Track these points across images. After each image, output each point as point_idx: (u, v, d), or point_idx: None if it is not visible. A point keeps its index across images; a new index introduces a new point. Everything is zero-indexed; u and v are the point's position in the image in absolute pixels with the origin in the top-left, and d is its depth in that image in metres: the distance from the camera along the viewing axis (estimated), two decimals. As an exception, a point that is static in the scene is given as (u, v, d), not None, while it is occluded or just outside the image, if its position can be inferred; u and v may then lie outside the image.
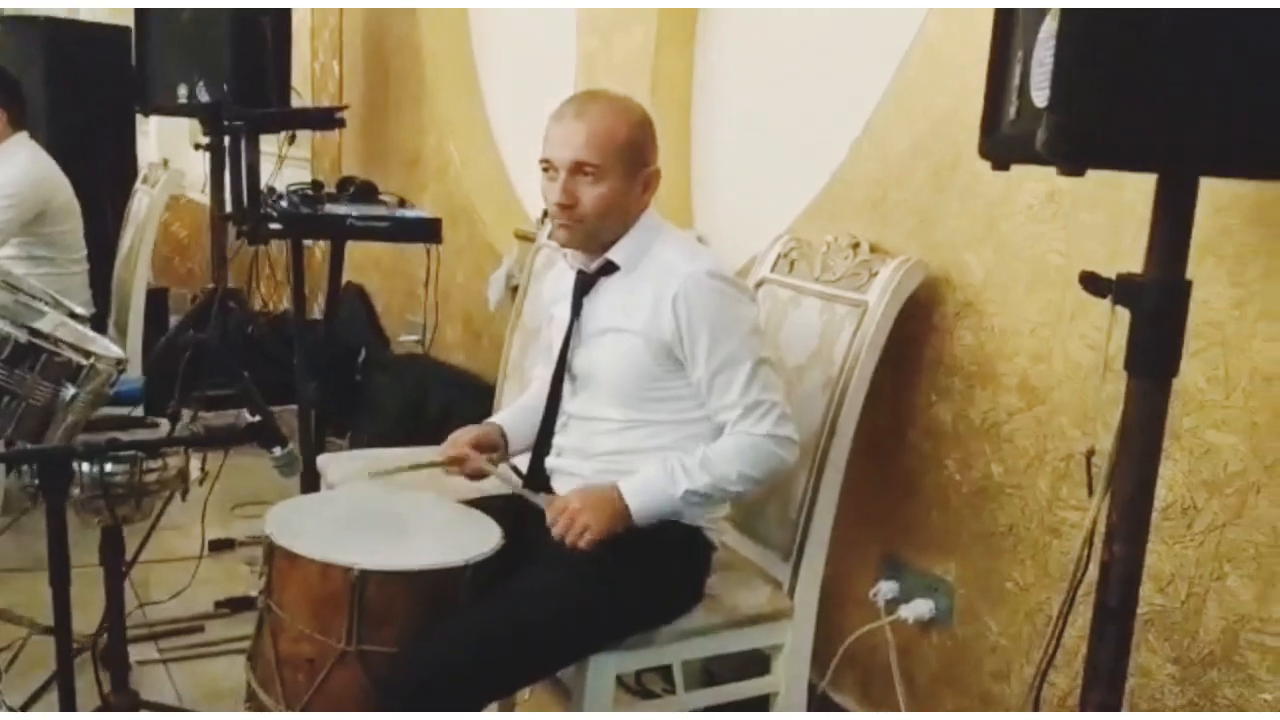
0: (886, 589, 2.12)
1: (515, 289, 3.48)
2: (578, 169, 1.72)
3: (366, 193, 2.94)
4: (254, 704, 1.76)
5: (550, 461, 1.91)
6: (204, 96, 4.10)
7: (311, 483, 2.66)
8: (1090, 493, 1.35)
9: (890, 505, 2.13)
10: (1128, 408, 1.25)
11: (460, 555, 1.68)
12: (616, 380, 1.80)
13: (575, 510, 1.71)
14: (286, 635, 1.68)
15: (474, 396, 3.17)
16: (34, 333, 1.84)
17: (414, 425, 3.51)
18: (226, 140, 2.95)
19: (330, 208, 2.81)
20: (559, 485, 1.89)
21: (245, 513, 3.22)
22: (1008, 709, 1.91)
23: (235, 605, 2.83)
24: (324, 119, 2.78)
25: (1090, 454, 1.35)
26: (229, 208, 2.95)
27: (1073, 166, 1.08)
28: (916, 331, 2.04)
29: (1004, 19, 1.34)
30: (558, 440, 1.90)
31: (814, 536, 1.99)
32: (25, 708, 2.27)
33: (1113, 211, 1.71)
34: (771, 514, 2.06)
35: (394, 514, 1.89)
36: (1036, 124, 1.10)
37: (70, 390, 1.87)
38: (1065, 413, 1.81)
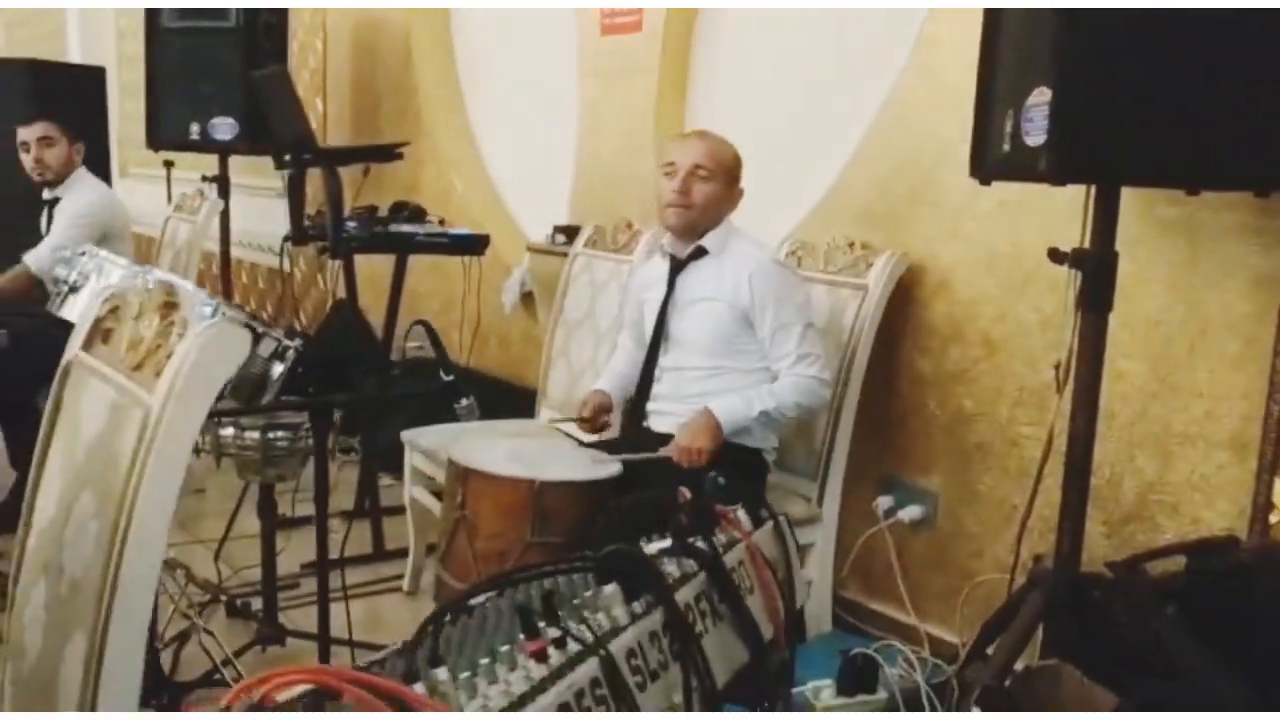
0: (884, 501, 2.81)
1: (528, 294, 4.09)
2: (695, 170, 2.38)
3: (417, 214, 3.51)
4: (445, 597, 2.32)
5: (650, 405, 2.54)
6: (218, 135, 4.58)
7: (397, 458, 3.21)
8: (1059, 390, 2.06)
9: (887, 436, 2.82)
10: (1083, 332, 1.97)
11: (605, 471, 2.30)
12: (705, 337, 2.45)
13: (688, 444, 2.34)
14: (481, 535, 2.26)
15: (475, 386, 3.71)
16: (251, 316, 2.37)
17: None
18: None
19: (395, 227, 3.37)
20: (654, 423, 2.53)
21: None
22: (983, 578, 2.61)
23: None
24: (387, 153, 3.34)
25: (1057, 366, 2.07)
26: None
27: (1063, 181, 1.80)
28: (902, 306, 2.75)
29: (985, 91, 2.05)
30: (655, 388, 2.54)
31: (834, 462, 2.68)
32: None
33: (1045, 213, 2.44)
34: (800, 448, 2.72)
35: (537, 448, 2.49)
36: (1026, 155, 1.81)
37: (278, 367, 2.40)
38: (1018, 359, 2.54)
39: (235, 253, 5.10)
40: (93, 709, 1.10)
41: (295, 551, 3.07)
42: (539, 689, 0.83)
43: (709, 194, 2.42)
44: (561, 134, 4.04)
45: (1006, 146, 1.92)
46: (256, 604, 2.85)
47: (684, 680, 0.94)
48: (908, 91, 2.76)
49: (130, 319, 1.29)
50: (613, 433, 2.69)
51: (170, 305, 1.22)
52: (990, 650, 2.22)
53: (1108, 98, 1.71)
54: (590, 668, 0.87)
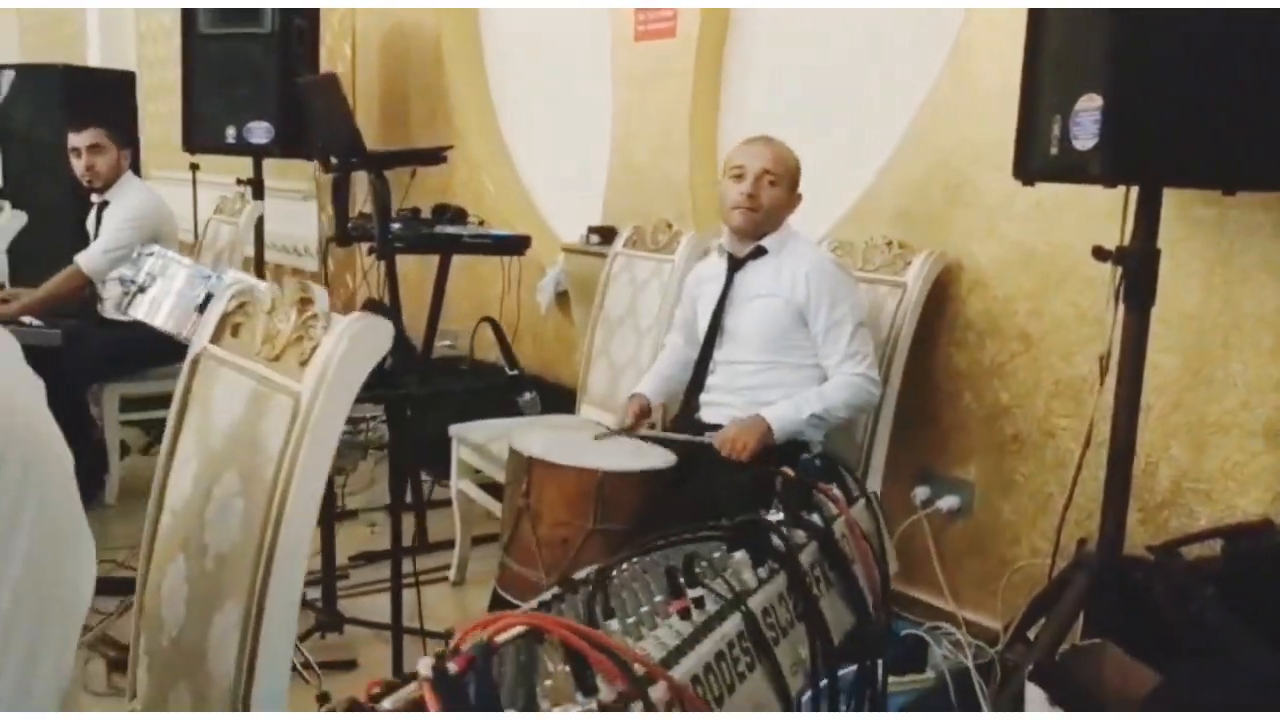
0: (921, 491, 2.91)
1: (563, 293, 4.19)
2: (763, 174, 2.48)
3: (459, 216, 3.61)
4: (508, 584, 2.42)
5: (703, 397, 2.64)
6: (254, 139, 4.68)
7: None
8: (1101, 382, 2.16)
9: (924, 429, 2.92)
10: (1125, 326, 2.07)
11: (662, 462, 2.40)
12: (760, 332, 2.55)
13: (735, 435, 2.44)
14: (545, 523, 2.35)
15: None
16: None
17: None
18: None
19: (440, 228, 3.47)
20: (708, 414, 2.62)
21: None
22: (1019, 566, 2.71)
23: (370, 558, 3.40)
24: (432, 156, 3.43)
25: (1102, 358, 2.17)
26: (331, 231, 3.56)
27: (1113, 183, 1.90)
28: (939, 303, 2.85)
29: (1028, 98, 2.15)
30: (709, 380, 2.64)
31: (875, 454, 2.78)
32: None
33: (1081, 213, 2.54)
34: (842, 441, 2.81)
35: (594, 443, 2.59)
36: (1076, 158, 1.91)
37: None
38: (1054, 353, 2.64)
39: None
40: (251, 671, 1.20)
41: (341, 545, 3.16)
42: (693, 640, 0.92)
43: (775, 198, 2.52)
44: (592, 137, 4.14)
45: (1054, 150, 2.02)
46: (311, 593, 2.94)
47: (809, 638, 1.04)
48: (943, 98, 2.86)
49: (263, 314, 1.39)
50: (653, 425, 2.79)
51: (306, 301, 1.32)
52: (1031, 634, 2.32)
53: (1155, 105, 1.82)
54: (735, 622, 0.96)
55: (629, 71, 3.88)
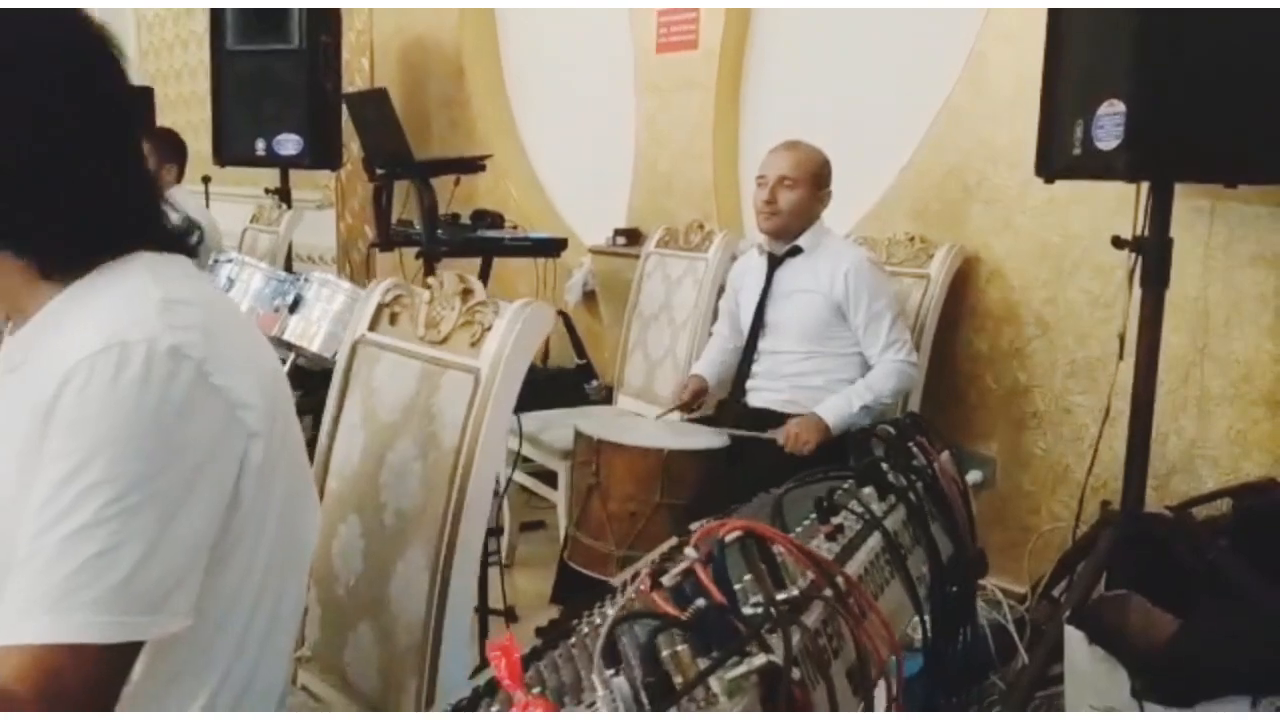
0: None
1: (589, 293, 4.40)
2: (781, 180, 2.70)
3: (498, 221, 3.82)
4: (577, 556, 2.63)
5: (749, 383, 2.87)
6: (283, 151, 4.87)
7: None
8: (1120, 358, 2.40)
9: (948, 409, 3.16)
10: (1143, 307, 2.31)
11: (719, 441, 2.63)
12: (802, 324, 2.78)
13: (798, 433, 2.66)
14: (614, 499, 2.57)
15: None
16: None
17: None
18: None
19: (482, 232, 3.69)
20: (753, 399, 2.85)
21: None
22: (1040, 534, 2.95)
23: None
24: (473, 165, 3.65)
25: (1122, 336, 2.41)
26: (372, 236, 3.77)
27: (1135, 180, 2.14)
28: (959, 293, 3.09)
29: (1049, 104, 2.39)
30: (753, 368, 2.86)
31: (905, 432, 3.00)
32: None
33: (1092, 207, 2.78)
34: (872, 419, 3.05)
35: (651, 426, 2.81)
36: (1099, 158, 2.15)
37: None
38: (1069, 335, 2.88)
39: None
40: (440, 612, 1.41)
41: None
42: (845, 554, 1.14)
43: (794, 201, 2.75)
44: (612, 144, 4.36)
45: (1077, 150, 2.26)
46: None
47: (929, 555, 1.26)
48: (959, 103, 3.10)
49: (423, 304, 1.60)
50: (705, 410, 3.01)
51: (468, 291, 1.53)
52: (1056, 592, 2.56)
53: (1170, 109, 2.06)
54: (876, 540, 1.18)
55: (652, 82, 4.10)
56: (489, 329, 1.45)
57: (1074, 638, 2.15)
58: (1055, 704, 2.28)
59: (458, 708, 1.04)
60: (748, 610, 0.92)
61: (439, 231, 3.65)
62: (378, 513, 1.54)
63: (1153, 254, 2.28)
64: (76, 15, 1.06)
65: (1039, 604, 2.66)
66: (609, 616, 0.87)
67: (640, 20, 4.11)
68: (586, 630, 1.17)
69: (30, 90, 1.01)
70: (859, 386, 2.71)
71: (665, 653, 0.83)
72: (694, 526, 1.07)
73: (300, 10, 4.70)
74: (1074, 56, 2.33)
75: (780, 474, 2.57)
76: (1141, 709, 2.01)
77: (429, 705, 1.42)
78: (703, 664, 0.82)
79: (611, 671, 0.84)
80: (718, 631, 0.86)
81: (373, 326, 1.67)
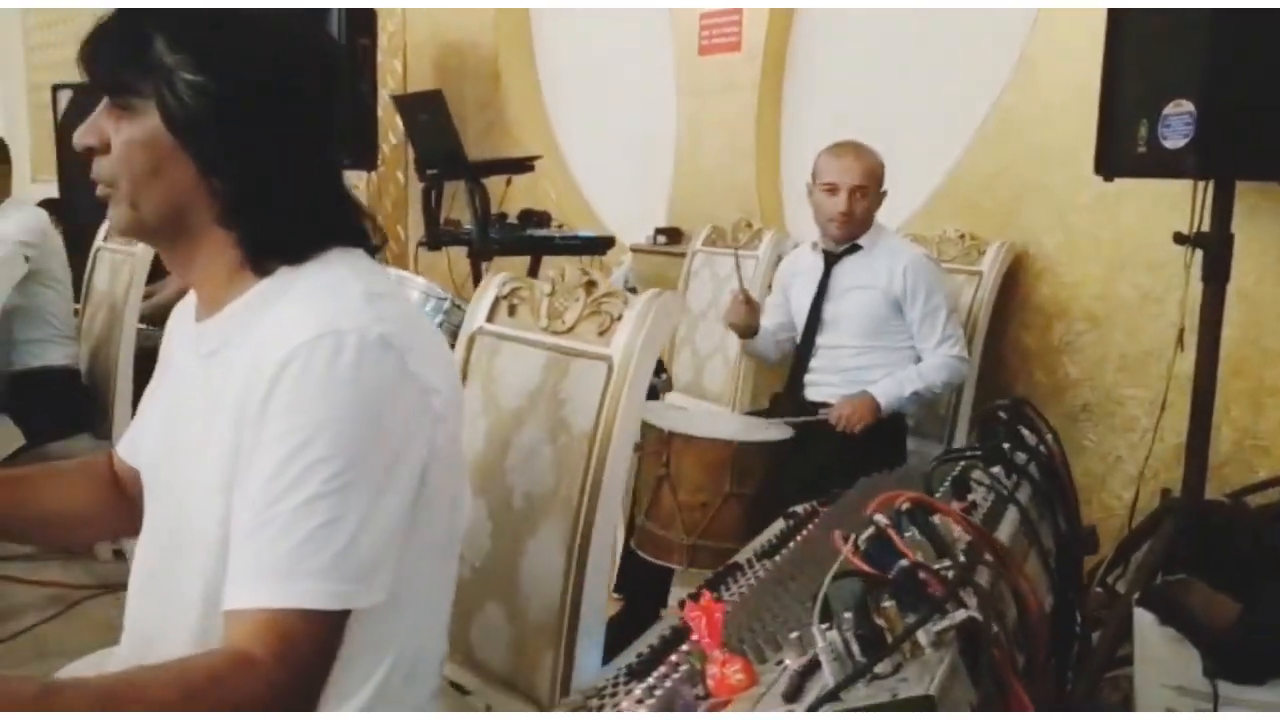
0: (997, 460, 3.22)
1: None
2: (855, 189, 2.77)
3: (545, 220, 3.90)
4: (645, 544, 2.70)
5: (807, 377, 2.94)
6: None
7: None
8: (1183, 348, 2.48)
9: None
10: (1204, 300, 2.39)
11: (785, 434, 2.70)
12: (860, 320, 2.85)
13: (849, 413, 2.74)
14: (684, 489, 2.64)
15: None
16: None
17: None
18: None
19: (531, 231, 3.76)
20: (812, 393, 2.92)
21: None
22: (1090, 520, 3.02)
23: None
24: (522, 165, 3.72)
25: (1182, 330, 2.48)
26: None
27: (1204, 177, 2.22)
28: (1009, 289, 3.16)
29: (1108, 105, 2.46)
30: (811, 363, 2.94)
31: (959, 427, 3.08)
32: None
33: (1139, 207, 2.86)
34: (928, 416, 3.12)
35: (718, 418, 2.88)
36: (1166, 156, 2.23)
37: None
38: (1119, 330, 2.95)
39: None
40: (578, 589, 1.48)
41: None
42: (989, 524, 1.22)
43: (867, 208, 2.83)
44: (649, 145, 4.43)
45: (1142, 149, 2.33)
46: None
47: (1053, 528, 1.34)
48: (1008, 107, 3.18)
49: (544, 296, 1.67)
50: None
51: (592, 284, 1.61)
52: (1111, 579, 2.64)
53: (1239, 110, 2.13)
54: (1013, 514, 1.26)
55: (694, 84, 4.17)
56: (619, 319, 1.52)
57: (1144, 620, 2.22)
58: (1123, 685, 2.35)
59: (634, 673, 1.12)
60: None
61: (490, 231, 3.73)
62: (505, 495, 1.61)
63: (1215, 249, 2.36)
64: (317, 20, 1.14)
65: (1094, 590, 2.73)
66: (826, 576, 0.93)
67: (682, 23, 4.18)
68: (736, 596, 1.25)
69: (299, 93, 1.09)
70: (911, 373, 2.79)
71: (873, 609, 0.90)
72: (840, 496, 1.14)
73: (339, 11, 4.76)
74: (1136, 58, 2.40)
75: (840, 462, 2.66)
76: (1214, 688, 2.08)
77: (566, 679, 1.48)
78: (909, 620, 0.89)
79: (825, 625, 0.91)
80: (917, 589, 0.93)
81: (490, 318, 1.74)
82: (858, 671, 0.85)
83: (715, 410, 3.37)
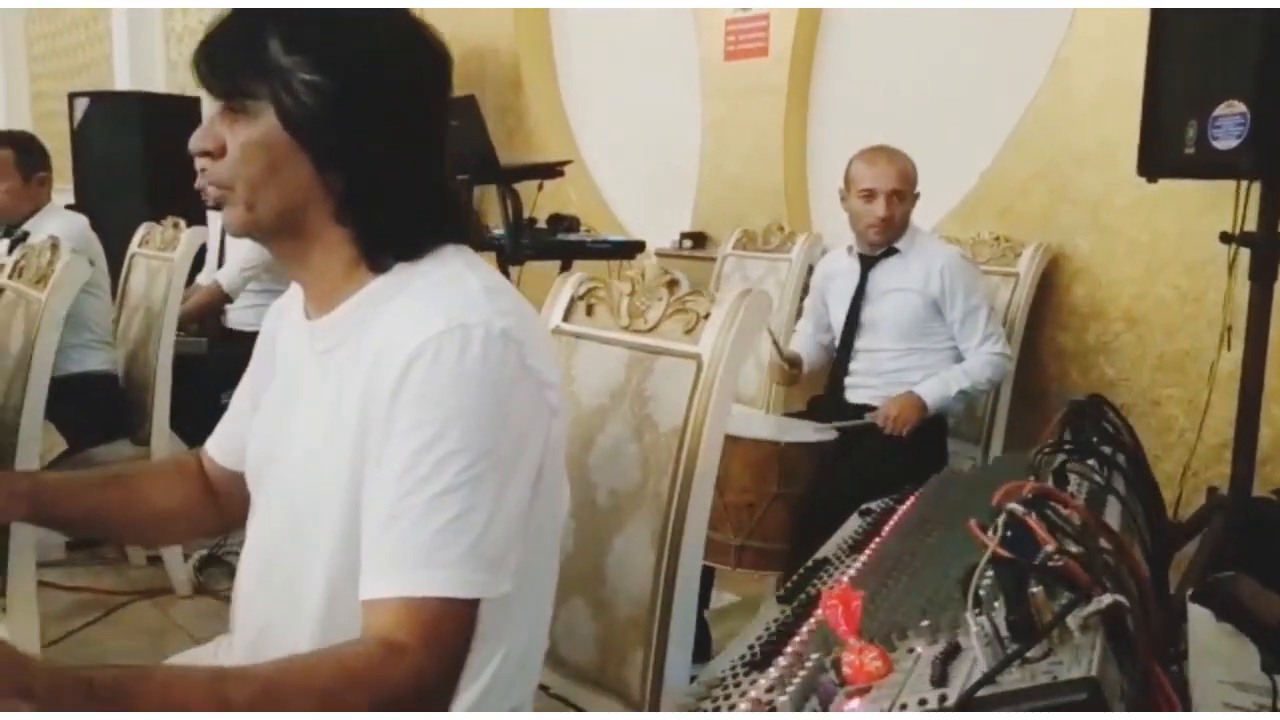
0: (1033, 460, 3.24)
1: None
2: (893, 194, 2.79)
3: (574, 225, 3.92)
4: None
5: (847, 380, 2.96)
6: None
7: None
8: (1229, 347, 2.50)
9: (1035, 404, 3.25)
10: (1252, 300, 2.41)
11: (830, 435, 2.71)
12: (899, 322, 2.87)
13: (897, 414, 2.75)
14: (731, 489, 2.65)
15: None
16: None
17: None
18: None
19: (562, 236, 3.78)
20: (852, 395, 2.94)
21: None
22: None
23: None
24: (552, 170, 3.74)
25: (1229, 329, 2.50)
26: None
27: (1258, 177, 2.24)
28: (1045, 291, 3.18)
29: (1151, 106, 2.48)
30: (851, 366, 2.95)
31: (996, 428, 3.10)
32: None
33: (1177, 208, 2.88)
34: (966, 417, 3.13)
35: (760, 420, 2.89)
36: (1216, 156, 2.25)
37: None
38: (1157, 330, 2.98)
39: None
40: (670, 584, 1.49)
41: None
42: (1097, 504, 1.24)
43: (905, 212, 2.85)
44: (671, 149, 4.46)
45: (1190, 150, 2.35)
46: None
47: (1144, 509, 1.36)
48: (1041, 108, 3.20)
49: (623, 295, 1.68)
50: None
51: (674, 283, 1.62)
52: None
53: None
54: (1114, 503, 1.28)
55: (719, 88, 4.20)
56: (706, 316, 1.54)
57: (1199, 615, 2.24)
58: (1175, 680, 2.36)
59: (753, 665, 1.13)
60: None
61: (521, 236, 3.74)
62: (589, 492, 1.62)
63: (1263, 249, 2.38)
64: (423, 22, 1.16)
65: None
66: (980, 562, 0.94)
67: (707, 28, 4.21)
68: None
69: (410, 85, 1.10)
70: (957, 372, 2.80)
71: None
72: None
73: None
74: (1181, 59, 2.42)
75: (886, 463, 2.68)
76: (1274, 683, 2.10)
77: (658, 676, 1.49)
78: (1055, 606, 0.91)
79: (976, 611, 0.92)
80: (1059, 576, 0.94)
81: (567, 318, 1.75)
82: (1013, 655, 0.87)
83: (750, 414, 3.38)
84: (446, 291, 1.10)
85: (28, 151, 3.15)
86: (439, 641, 0.99)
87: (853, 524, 1.69)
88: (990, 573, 0.96)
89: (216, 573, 3.28)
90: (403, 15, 1.14)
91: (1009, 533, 1.01)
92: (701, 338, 1.53)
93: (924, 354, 2.87)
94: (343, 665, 0.93)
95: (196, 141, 1.14)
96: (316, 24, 1.11)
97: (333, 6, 1.13)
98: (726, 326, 1.51)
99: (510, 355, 1.06)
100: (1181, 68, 2.42)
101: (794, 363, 2.97)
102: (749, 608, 2.80)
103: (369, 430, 1.06)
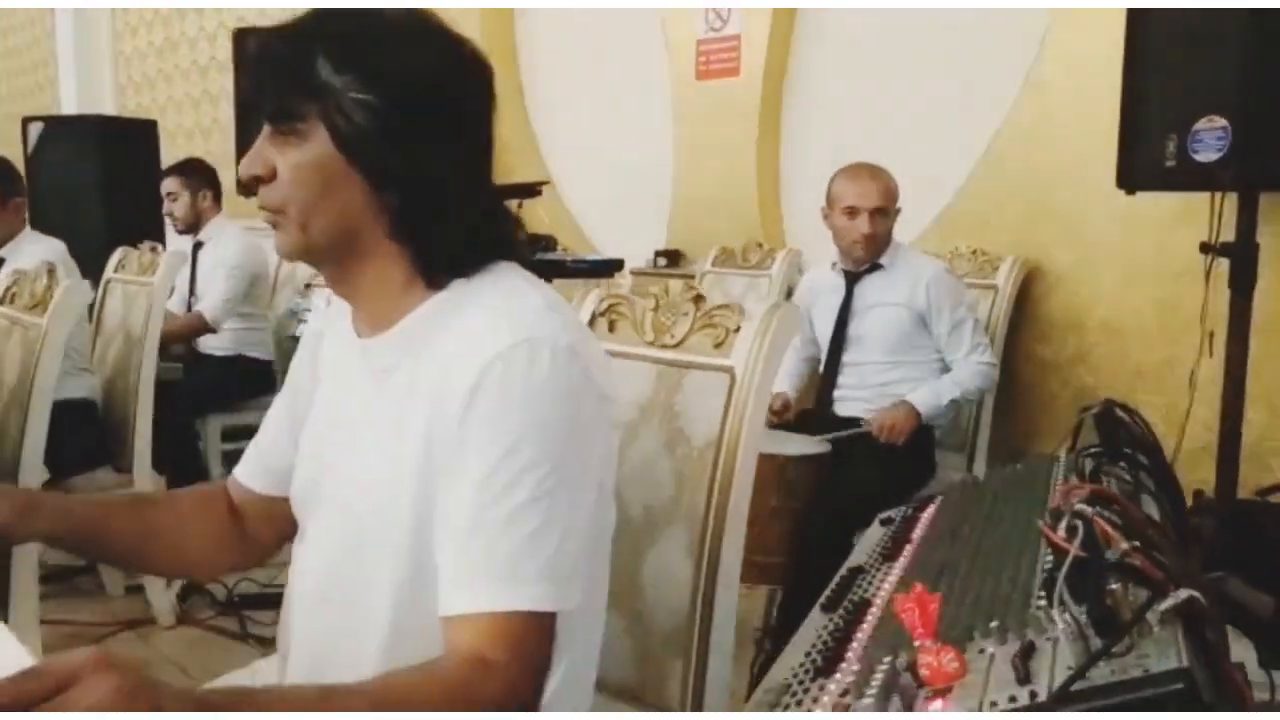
0: (1015, 469, 3.30)
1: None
2: (875, 211, 2.84)
3: (552, 244, 3.93)
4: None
5: (836, 393, 2.99)
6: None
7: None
8: (1210, 354, 2.57)
9: (1017, 414, 3.32)
10: (1233, 308, 2.49)
11: (826, 448, 2.74)
12: (886, 336, 2.91)
13: (891, 423, 2.79)
14: (731, 505, 2.67)
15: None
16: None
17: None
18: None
19: (542, 255, 3.78)
20: (841, 408, 2.98)
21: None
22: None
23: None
24: (530, 190, 3.74)
25: (1210, 335, 2.58)
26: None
27: (1238, 189, 2.32)
28: (1022, 303, 3.25)
29: (1129, 122, 2.56)
30: (839, 379, 2.99)
31: (980, 438, 3.16)
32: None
33: (1155, 221, 2.97)
34: (950, 428, 3.18)
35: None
36: (1197, 169, 2.33)
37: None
38: (1135, 340, 3.05)
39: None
40: (709, 596, 1.50)
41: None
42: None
43: (889, 227, 2.90)
44: (642, 170, 4.49)
45: (1171, 163, 2.43)
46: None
47: (1170, 512, 1.40)
48: (1016, 124, 3.29)
49: (647, 311, 1.70)
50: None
51: (700, 298, 1.64)
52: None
53: (1269, 124, 2.24)
54: (1151, 504, 1.32)
55: (692, 109, 4.24)
56: (737, 330, 1.56)
57: (1195, 616, 2.30)
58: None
59: (819, 670, 1.14)
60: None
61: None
62: (622, 507, 1.61)
63: (1241, 258, 2.46)
64: (461, 35, 1.16)
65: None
66: (1065, 562, 0.97)
67: (678, 49, 4.25)
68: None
69: (464, 104, 1.10)
70: (947, 382, 2.85)
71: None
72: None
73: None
74: (1159, 75, 2.51)
75: (882, 474, 2.71)
76: (1270, 678, 2.16)
77: (699, 689, 1.50)
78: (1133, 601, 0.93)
79: (1060, 608, 0.95)
80: (1132, 573, 0.97)
81: (588, 334, 1.76)
82: (1104, 648, 0.89)
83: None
84: (510, 306, 1.10)
85: (3, 177, 3.09)
86: (528, 655, 0.99)
87: (876, 532, 1.72)
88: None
89: (199, 601, 3.21)
90: (442, 27, 1.14)
91: (1073, 532, 1.04)
92: (733, 351, 1.55)
93: (910, 367, 2.92)
94: (441, 684, 0.93)
95: (246, 167, 1.12)
96: (365, 42, 1.11)
97: (373, 23, 1.14)
98: (759, 339, 1.53)
99: (575, 369, 1.07)
100: (1159, 83, 2.50)
101: (784, 409, 3.00)
102: (740, 625, 2.83)
103: (436, 445, 1.06)
